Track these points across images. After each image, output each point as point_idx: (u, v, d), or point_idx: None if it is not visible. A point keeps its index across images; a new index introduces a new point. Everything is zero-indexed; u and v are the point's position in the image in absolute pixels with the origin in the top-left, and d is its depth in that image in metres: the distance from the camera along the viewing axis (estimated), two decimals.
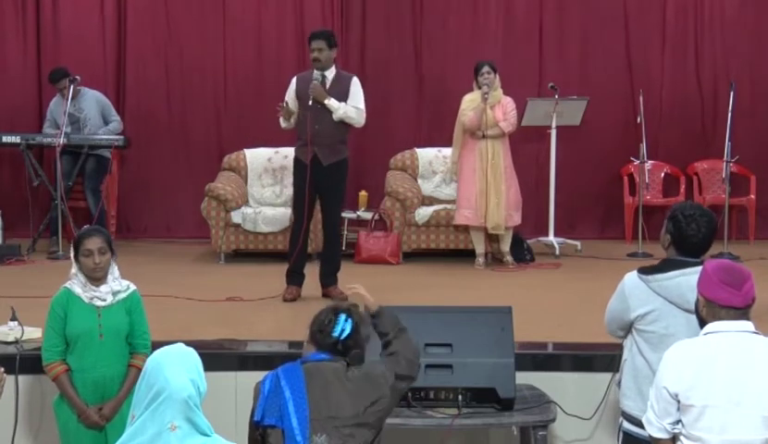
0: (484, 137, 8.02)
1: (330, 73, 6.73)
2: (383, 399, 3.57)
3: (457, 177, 8.38)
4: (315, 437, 3.45)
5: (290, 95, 6.81)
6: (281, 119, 6.79)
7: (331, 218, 6.85)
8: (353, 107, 6.68)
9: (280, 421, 3.47)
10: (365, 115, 6.78)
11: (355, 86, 6.76)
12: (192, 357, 2.99)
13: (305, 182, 6.61)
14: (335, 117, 6.62)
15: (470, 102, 8.11)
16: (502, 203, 8.05)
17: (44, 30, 9.71)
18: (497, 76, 8.10)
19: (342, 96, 6.66)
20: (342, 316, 3.64)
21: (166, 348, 3.02)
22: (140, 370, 4.42)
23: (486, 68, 8.05)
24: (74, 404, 4.48)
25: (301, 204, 6.74)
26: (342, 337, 3.62)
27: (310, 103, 6.59)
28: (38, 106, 9.63)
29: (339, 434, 3.48)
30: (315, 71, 6.69)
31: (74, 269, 4.53)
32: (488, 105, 7.96)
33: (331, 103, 6.60)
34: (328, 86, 6.67)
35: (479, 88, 8.06)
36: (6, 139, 8.88)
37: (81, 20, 9.72)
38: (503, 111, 8.07)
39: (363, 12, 9.81)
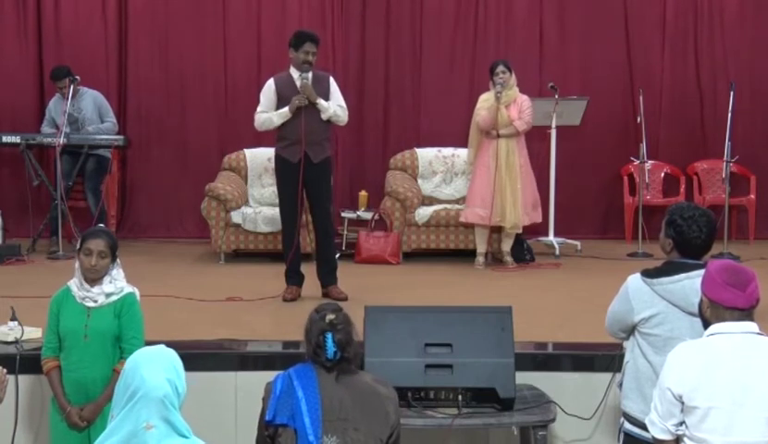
0: (498, 136, 8.01)
1: (309, 74, 6.76)
2: (390, 418, 3.60)
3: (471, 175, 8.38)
4: (325, 437, 3.45)
5: (268, 96, 6.77)
6: (277, 114, 6.66)
7: (322, 217, 6.82)
8: (338, 106, 6.76)
9: (292, 420, 3.47)
10: (348, 112, 6.88)
11: (334, 85, 6.85)
12: (171, 357, 2.95)
13: (294, 182, 6.62)
14: (324, 116, 6.67)
15: (484, 101, 8.11)
16: (519, 201, 8.05)
17: (46, 32, 9.71)
18: (512, 75, 8.09)
19: (324, 96, 6.72)
20: (329, 336, 3.61)
21: (146, 348, 3.01)
22: None
23: (501, 68, 8.05)
24: (58, 402, 4.52)
25: (291, 204, 6.72)
26: (337, 357, 3.62)
27: (298, 102, 6.61)
28: (39, 107, 9.60)
29: (349, 437, 3.48)
30: (297, 72, 6.68)
31: (77, 264, 4.55)
32: (501, 105, 7.95)
33: (321, 102, 6.65)
34: None
35: (495, 87, 8.06)
36: (6, 139, 8.86)
37: (83, 22, 9.72)
38: (518, 110, 8.03)
39: (363, 12, 9.80)
